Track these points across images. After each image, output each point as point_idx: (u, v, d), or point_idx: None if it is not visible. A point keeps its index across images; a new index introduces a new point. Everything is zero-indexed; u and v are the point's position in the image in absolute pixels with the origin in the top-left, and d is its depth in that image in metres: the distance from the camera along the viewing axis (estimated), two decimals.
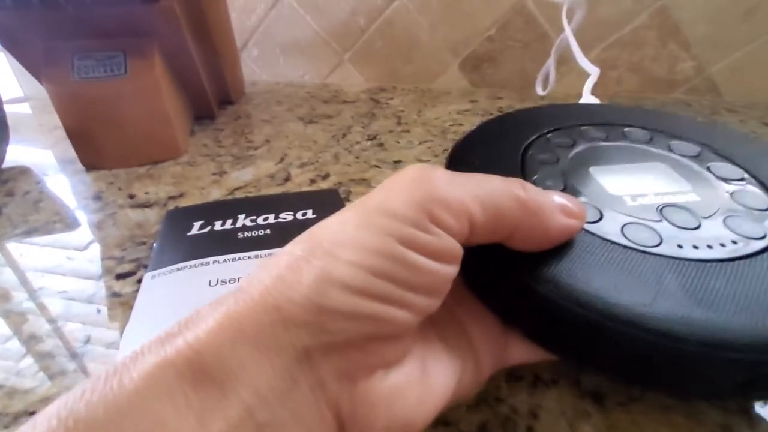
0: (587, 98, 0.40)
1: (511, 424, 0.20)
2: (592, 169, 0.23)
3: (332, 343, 0.14)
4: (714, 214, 0.20)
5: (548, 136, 0.26)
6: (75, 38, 0.42)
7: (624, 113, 0.28)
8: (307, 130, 0.51)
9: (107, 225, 0.36)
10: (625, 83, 0.56)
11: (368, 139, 0.48)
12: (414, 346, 0.16)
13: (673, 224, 0.19)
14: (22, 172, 0.46)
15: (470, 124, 0.51)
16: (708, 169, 0.23)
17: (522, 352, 0.20)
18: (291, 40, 0.65)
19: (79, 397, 0.12)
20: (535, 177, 0.22)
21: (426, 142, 0.47)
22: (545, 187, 0.20)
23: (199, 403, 0.12)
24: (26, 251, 0.34)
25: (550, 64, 0.50)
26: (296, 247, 0.15)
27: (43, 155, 0.49)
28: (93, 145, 0.44)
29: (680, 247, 0.18)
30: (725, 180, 0.22)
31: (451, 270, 0.15)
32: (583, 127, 0.26)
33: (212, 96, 0.53)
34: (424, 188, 0.15)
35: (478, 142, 0.25)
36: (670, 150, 0.24)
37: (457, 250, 0.15)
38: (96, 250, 0.34)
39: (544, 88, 0.52)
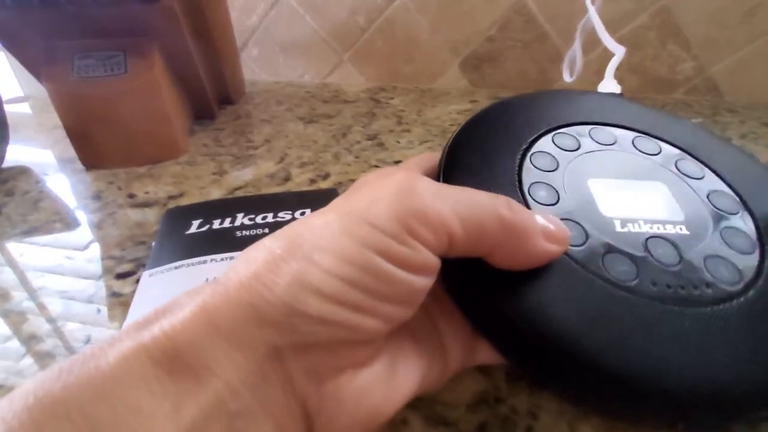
0: (609, 80, 0.38)
1: (510, 424, 0.20)
2: (591, 182, 0.22)
3: (302, 343, 0.14)
4: (698, 252, 0.19)
5: (553, 135, 0.24)
6: (75, 38, 0.42)
7: (637, 115, 0.26)
8: (307, 130, 0.51)
9: (107, 225, 0.36)
10: (625, 83, 0.56)
11: (368, 139, 0.48)
12: (385, 347, 0.17)
13: (654, 259, 0.19)
14: (22, 171, 0.46)
15: None
16: (708, 197, 0.22)
17: (489, 353, 0.20)
18: (291, 39, 0.65)
19: (56, 377, 0.12)
20: (530, 185, 0.21)
21: (426, 142, 0.47)
22: (538, 198, 0.20)
23: (174, 390, 0.12)
24: (26, 251, 0.34)
25: (576, 47, 0.47)
26: (275, 243, 0.15)
27: (43, 155, 0.49)
28: (93, 144, 0.44)
29: (654, 285, 0.18)
30: (720, 213, 0.21)
31: (427, 282, 0.16)
32: (592, 128, 0.25)
33: (212, 95, 0.53)
34: (406, 202, 0.15)
35: (477, 135, 0.24)
36: (677, 167, 0.23)
37: (434, 263, 0.16)
38: (96, 249, 0.34)
39: (572, 74, 0.49)
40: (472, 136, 0.24)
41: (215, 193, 0.40)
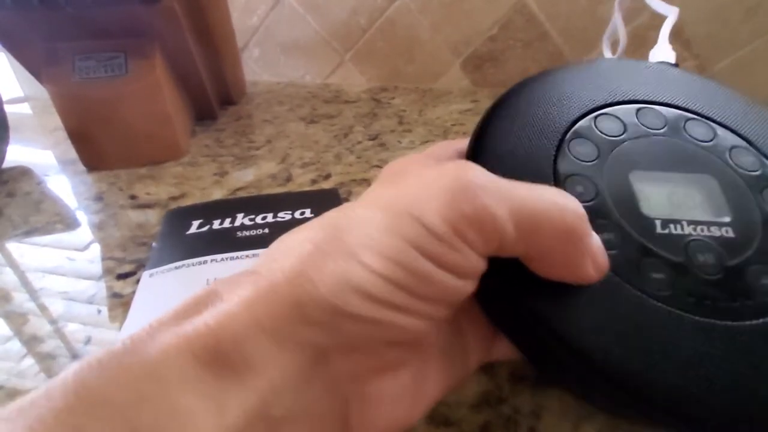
0: (663, 46, 0.33)
1: (513, 424, 0.20)
2: (632, 176, 0.19)
3: (346, 344, 0.14)
4: (742, 259, 0.17)
5: (596, 117, 0.21)
6: (76, 39, 0.42)
7: (692, 92, 0.22)
8: (308, 130, 0.51)
9: (108, 225, 0.36)
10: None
11: (370, 139, 0.48)
12: (418, 352, 0.16)
13: (694, 267, 0.17)
14: (23, 172, 0.46)
15: (472, 123, 0.51)
16: (761, 192, 0.19)
17: (506, 349, 0.20)
18: (292, 40, 0.65)
19: (97, 374, 0.11)
20: (566, 177, 0.19)
21: (428, 142, 0.47)
22: (575, 193, 0.18)
23: (217, 391, 0.12)
24: (27, 252, 0.34)
25: (617, 20, 0.43)
26: (317, 234, 0.14)
27: (44, 156, 0.49)
28: (94, 145, 0.44)
29: (689, 295, 0.16)
30: None
31: (470, 285, 0.15)
32: (639, 108, 0.21)
33: (213, 96, 0.53)
34: (460, 201, 0.14)
35: (509, 117, 0.21)
36: (730, 157, 0.20)
37: (480, 268, 0.15)
38: (97, 250, 0.34)
39: (614, 51, 0.46)
40: (503, 118, 0.21)
41: (217, 194, 0.40)
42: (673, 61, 0.30)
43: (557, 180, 0.19)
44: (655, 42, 0.35)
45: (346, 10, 0.60)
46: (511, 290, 0.16)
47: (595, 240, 0.16)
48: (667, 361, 0.15)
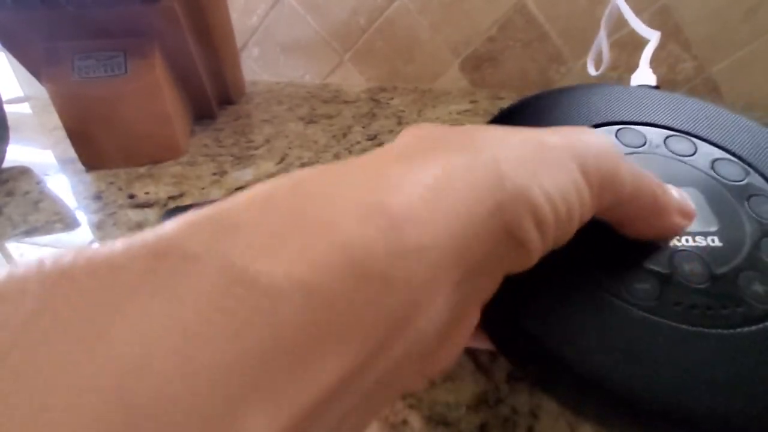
0: (644, 69, 0.34)
1: (511, 424, 0.20)
2: None
3: (493, 265, 0.13)
4: (730, 266, 0.17)
5: None
6: (75, 38, 0.42)
7: (671, 110, 0.23)
8: (307, 130, 0.51)
9: (107, 225, 0.36)
10: (624, 83, 0.56)
11: (369, 139, 0.48)
12: None
13: (681, 277, 0.17)
14: (22, 172, 0.46)
15: (470, 124, 0.51)
16: (748, 201, 0.20)
17: (477, 338, 0.20)
18: (291, 40, 0.65)
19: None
20: None
21: None
22: None
23: (374, 295, 0.10)
24: (26, 251, 0.34)
25: (602, 38, 0.44)
26: (498, 153, 0.13)
27: (44, 155, 0.49)
28: (93, 145, 0.44)
29: (676, 305, 0.16)
30: (762, 221, 0.19)
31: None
32: (619, 129, 0.22)
33: (212, 96, 0.53)
34: (612, 158, 0.15)
35: None
36: (713, 169, 0.21)
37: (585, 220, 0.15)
38: None
39: (597, 67, 0.47)
40: None
41: (216, 194, 0.40)
42: (653, 83, 0.31)
43: None
44: (643, 49, 0.35)
45: (345, 10, 0.60)
46: (504, 311, 0.16)
47: (675, 192, 0.17)
48: (656, 370, 0.15)
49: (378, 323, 0.10)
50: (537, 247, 0.13)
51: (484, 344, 0.20)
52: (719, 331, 0.16)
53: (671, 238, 0.17)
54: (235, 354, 0.08)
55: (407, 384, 0.14)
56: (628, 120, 0.23)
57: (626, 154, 0.21)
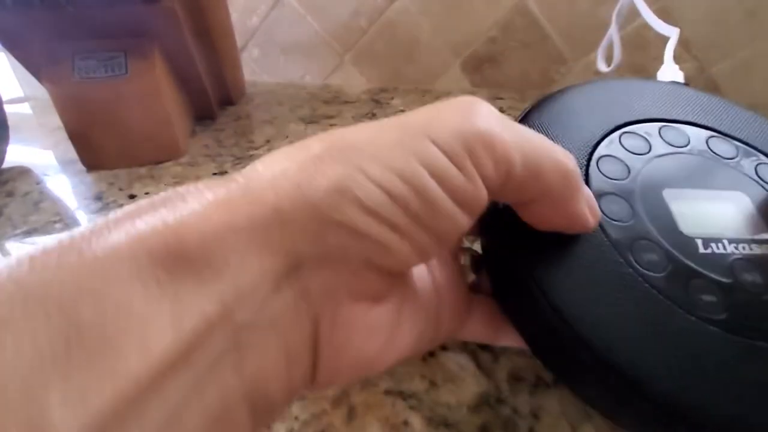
0: (669, 66, 0.33)
1: (512, 425, 0.20)
2: (666, 193, 0.19)
3: (327, 257, 0.13)
4: None
5: (620, 135, 0.20)
6: (76, 38, 0.42)
7: (708, 110, 0.22)
8: (307, 131, 0.51)
9: None
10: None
11: None
12: (395, 292, 0.16)
13: (743, 287, 0.16)
14: (23, 172, 0.46)
15: None
16: None
17: (476, 332, 0.20)
18: (292, 40, 0.65)
19: (29, 269, 0.10)
20: (600, 197, 0.18)
21: None
22: (611, 214, 0.17)
23: (174, 292, 0.10)
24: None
25: (613, 33, 0.43)
26: (314, 143, 0.13)
27: (44, 155, 0.49)
28: (94, 145, 0.44)
29: (746, 318, 0.15)
30: None
31: (468, 221, 0.14)
32: (662, 126, 0.21)
33: (213, 96, 0.53)
34: (473, 121, 0.14)
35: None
36: (757, 174, 0.20)
37: (483, 199, 0.14)
38: None
39: (608, 63, 0.45)
40: None
41: None
42: (682, 80, 0.30)
43: None
44: (651, 44, 0.35)
45: (346, 10, 0.60)
46: (549, 306, 0.16)
47: (587, 188, 0.16)
48: (731, 388, 0.14)
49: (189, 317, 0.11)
50: (374, 229, 0.13)
51: (516, 342, 0.19)
52: None
53: (579, 231, 0.16)
54: (29, 350, 0.09)
55: (271, 388, 0.13)
56: (669, 117, 0.22)
57: (669, 153, 0.20)
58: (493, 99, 0.58)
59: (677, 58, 0.50)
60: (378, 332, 0.15)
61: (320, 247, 0.13)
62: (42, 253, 0.10)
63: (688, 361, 0.14)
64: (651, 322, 0.15)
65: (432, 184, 0.13)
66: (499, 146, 0.13)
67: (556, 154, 0.15)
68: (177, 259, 0.11)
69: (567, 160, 0.15)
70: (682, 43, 0.52)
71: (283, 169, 0.13)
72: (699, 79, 0.54)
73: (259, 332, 0.12)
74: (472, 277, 0.21)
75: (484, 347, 0.24)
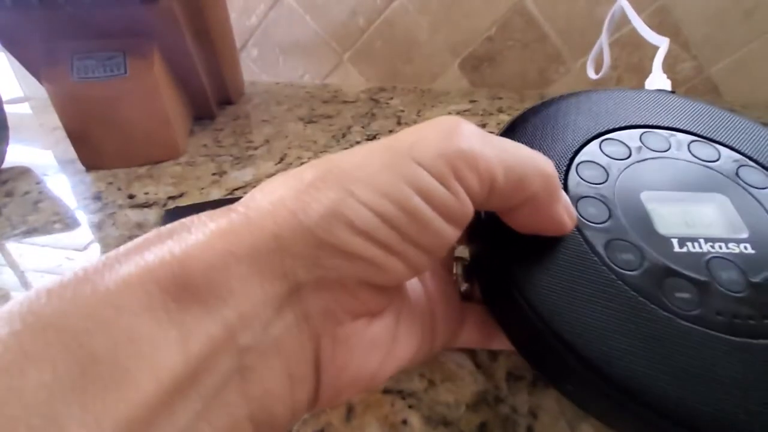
0: (657, 75, 0.34)
1: (511, 424, 0.20)
2: (644, 196, 0.19)
3: (324, 279, 0.13)
4: (764, 274, 0.17)
5: (601, 141, 0.21)
6: (75, 38, 0.42)
7: (691, 115, 0.23)
8: (306, 130, 0.51)
9: (107, 225, 0.36)
10: (625, 83, 0.56)
11: (368, 139, 0.48)
12: (392, 307, 0.17)
13: (718, 284, 0.16)
14: (22, 172, 0.46)
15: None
16: None
17: (470, 338, 0.21)
18: (291, 40, 0.65)
19: (46, 302, 0.10)
20: (578, 200, 0.19)
21: None
22: (587, 216, 0.18)
23: (181, 320, 0.11)
24: (26, 251, 0.34)
25: (603, 41, 0.44)
26: (307, 170, 0.14)
27: (43, 155, 0.49)
28: (93, 145, 0.44)
29: (719, 314, 0.16)
30: None
31: (456, 234, 0.15)
32: (643, 132, 0.22)
33: (212, 96, 0.53)
34: (455, 141, 0.14)
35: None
36: (737, 176, 0.20)
37: (470, 213, 0.15)
38: (96, 250, 0.34)
39: (597, 70, 0.46)
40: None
41: (215, 194, 0.40)
42: (669, 88, 0.31)
43: None
44: (650, 43, 0.35)
45: (344, 10, 0.60)
46: (531, 311, 0.16)
47: (564, 193, 0.17)
48: (705, 383, 0.14)
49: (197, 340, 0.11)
50: (368, 250, 0.13)
51: (471, 344, 0.21)
52: (763, 342, 0.15)
53: (557, 233, 0.17)
54: (50, 379, 0.09)
55: (276, 409, 0.14)
56: (651, 124, 0.22)
57: (650, 158, 0.21)
58: (491, 98, 0.58)
59: (675, 58, 0.50)
60: (377, 346, 0.16)
61: (318, 269, 0.13)
62: (59, 286, 0.11)
63: (661, 356, 0.15)
64: (624, 319, 0.16)
65: (420, 204, 0.14)
66: (481, 162, 0.14)
67: (535, 162, 0.16)
68: (183, 288, 0.11)
69: (546, 165, 0.16)
70: (681, 43, 0.52)
71: (280, 198, 0.13)
72: (698, 78, 0.54)
73: (262, 355, 0.13)
74: (465, 285, 0.22)
75: None
